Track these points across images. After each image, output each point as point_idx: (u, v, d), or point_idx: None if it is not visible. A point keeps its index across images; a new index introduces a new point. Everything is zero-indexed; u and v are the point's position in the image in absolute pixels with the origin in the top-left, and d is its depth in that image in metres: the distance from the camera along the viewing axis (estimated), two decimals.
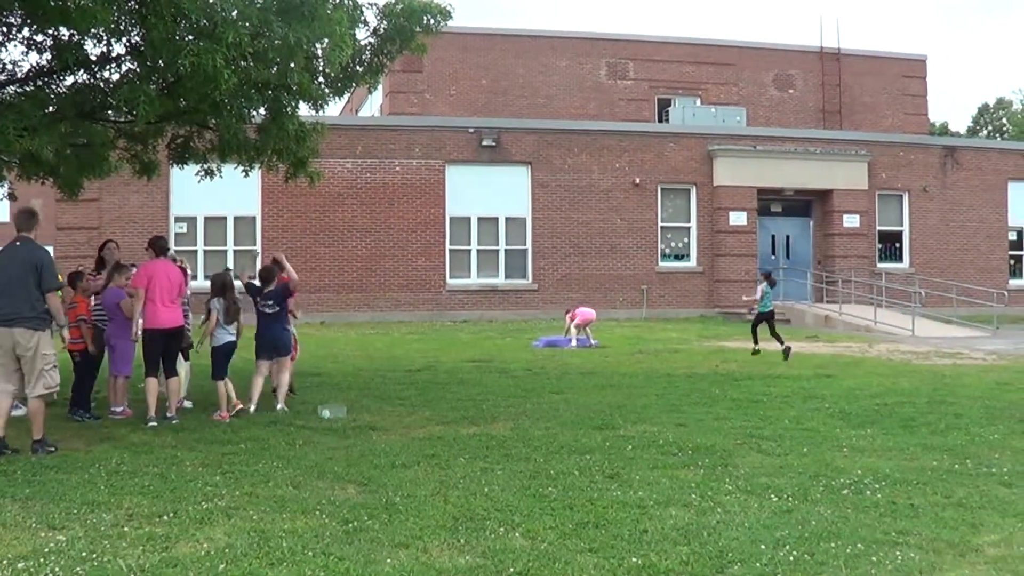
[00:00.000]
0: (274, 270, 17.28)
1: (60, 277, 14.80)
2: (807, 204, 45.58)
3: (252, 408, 16.30)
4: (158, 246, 15.95)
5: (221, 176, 18.76)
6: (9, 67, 16.06)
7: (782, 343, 25.94)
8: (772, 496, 10.05)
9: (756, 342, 27.10)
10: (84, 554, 7.98)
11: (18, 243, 12.85)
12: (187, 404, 16.78)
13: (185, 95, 14.19)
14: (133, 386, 16.69)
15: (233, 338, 16.42)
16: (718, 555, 8.04)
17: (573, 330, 29.51)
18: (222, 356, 16.19)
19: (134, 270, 16.32)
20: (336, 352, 26.70)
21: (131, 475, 11.09)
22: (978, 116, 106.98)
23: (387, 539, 8.45)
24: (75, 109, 15.21)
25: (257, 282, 17.33)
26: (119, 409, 15.90)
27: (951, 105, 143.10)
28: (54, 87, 16.07)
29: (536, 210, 41.85)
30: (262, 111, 16.05)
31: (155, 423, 14.64)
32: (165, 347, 15.44)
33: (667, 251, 43.37)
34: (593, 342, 29.44)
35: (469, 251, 41.62)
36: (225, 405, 15.79)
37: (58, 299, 12.97)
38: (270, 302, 16.70)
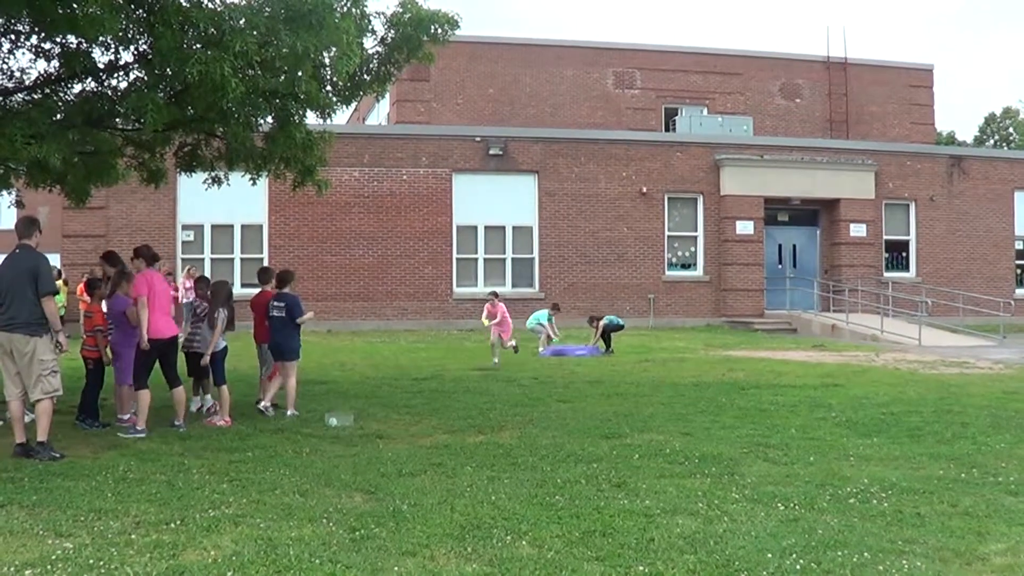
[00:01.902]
0: (290, 275, 17.57)
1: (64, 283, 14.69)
2: (814, 213, 45.58)
3: (268, 406, 16.78)
4: (149, 255, 15.93)
5: (228, 184, 18.76)
6: (17, 75, 16.08)
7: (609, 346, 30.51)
8: (779, 505, 10.05)
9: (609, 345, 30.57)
10: (91, 561, 7.99)
11: (18, 250, 12.94)
12: (192, 408, 16.88)
13: (193, 103, 14.23)
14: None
15: (226, 343, 16.62)
16: (725, 564, 8.04)
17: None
18: (222, 362, 16.38)
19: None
20: (343, 360, 26.72)
21: (138, 482, 11.11)
22: (984, 126, 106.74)
23: (394, 547, 8.45)
24: (83, 117, 15.24)
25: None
26: (126, 417, 15.93)
27: (958, 115, 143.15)
28: (62, 95, 16.11)
29: (543, 219, 41.88)
30: (269, 119, 16.10)
31: (143, 434, 14.56)
32: (162, 357, 15.40)
33: (674, 260, 43.41)
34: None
35: (476, 260, 41.67)
36: (228, 409, 15.84)
37: (54, 303, 13.00)
38: (281, 304, 16.88)
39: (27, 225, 13.15)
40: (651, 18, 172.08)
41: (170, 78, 14.07)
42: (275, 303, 17.09)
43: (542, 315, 31.10)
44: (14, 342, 12.66)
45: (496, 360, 26.05)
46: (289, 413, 16.58)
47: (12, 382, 12.88)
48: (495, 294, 28.18)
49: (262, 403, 16.82)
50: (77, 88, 16.20)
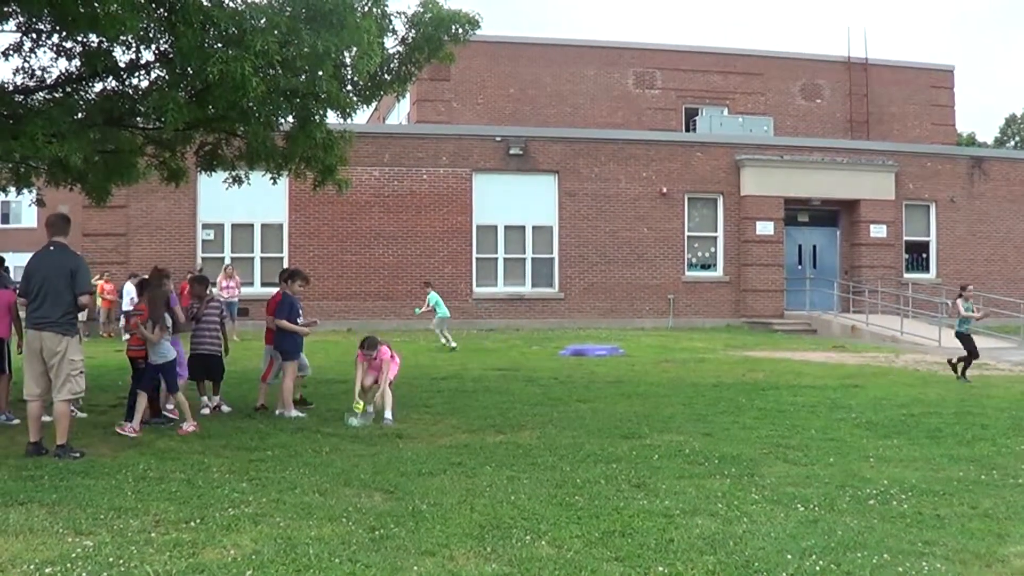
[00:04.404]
0: (285, 273, 17.67)
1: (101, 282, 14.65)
2: (834, 214, 45.46)
3: (278, 411, 16.76)
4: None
5: (249, 183, 18.76)
6: (38, 73, 16.11)
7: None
8: (798, 506, 10.04)
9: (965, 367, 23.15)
10: (111, 560, 8.00)
11: (52, 248, 12.91)
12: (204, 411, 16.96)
13: (213, 102, 14.21)
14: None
15: (176, 353, 15.92)
16: (744, 565, 8.03)
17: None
18: (174, 370, 15.66)
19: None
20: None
21: (158, 481, 11.13)
22: (1005, 127, 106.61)
23: (413, 547, 8.46)
24: (104, 116, 15.28)
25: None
26: (171, 407, 16.20)
27: (978, 116, 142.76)
28: (83, 93, 16.12)
29: (563, 219, 41.87)
30: (290, 119, 16.07)
31: None
32: None
33: (694, 260, 43.34)
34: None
35: (496, 259, 41.66)
36: (189, 415, 15.34)
37: (94, 302, 13.08)
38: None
39: (64, 222, 13.12)
40: (671, 18, 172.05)
41: (191, 77, 14.09)
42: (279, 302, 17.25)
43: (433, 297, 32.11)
44: (45, 340, 12.64)
45: (386, 414, 16.31)
46: (278, 412, 16.70)
47: (34, 382, 12.86)
48: (373, 344, 17.03)
49: (278, 410, 16.79)
50: (98, 87, 16.25)
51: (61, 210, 15.32)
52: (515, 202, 41.52)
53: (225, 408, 17.16)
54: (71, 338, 12.75)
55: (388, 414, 16.14)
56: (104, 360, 25.50)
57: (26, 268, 13.04)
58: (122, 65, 15.50)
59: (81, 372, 12.95)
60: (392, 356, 17.16)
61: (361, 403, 16.37)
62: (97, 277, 33.85)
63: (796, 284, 43.81)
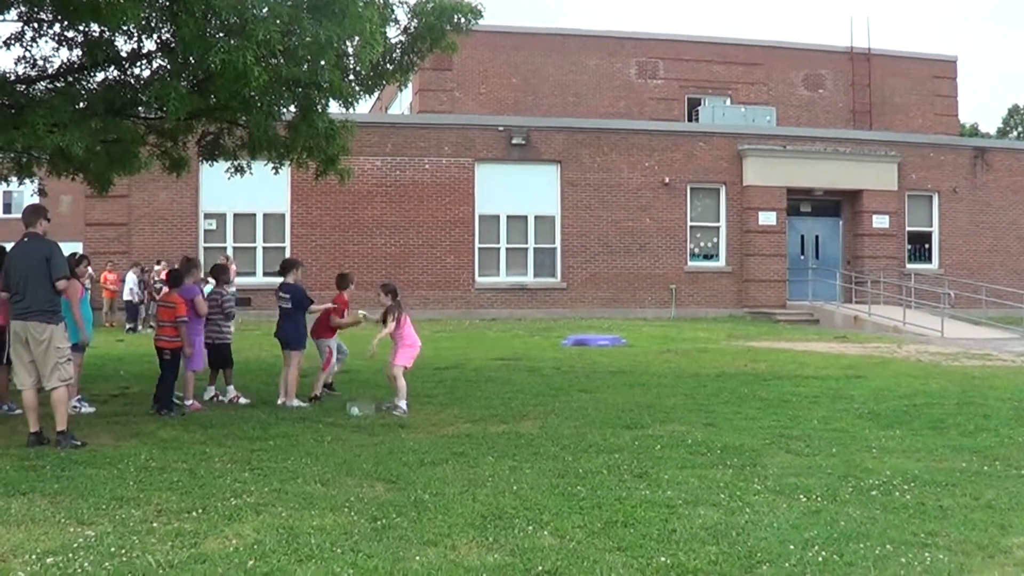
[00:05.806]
0: (289, 263, 17.71)
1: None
2: (837, 204, 45.48)
3: (280, 400, 16.85)
4: None
5: (251, 173, 18.77)
6: (40, 63, 16.08)
7: None
8: (801, 496, 10.02)
9: None
10: (113, 550, 8.00)
11: (26, 239, 13.00)
12: (205, 396, 17.06)
13: (215, 92, 14.19)
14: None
15: None
16: (747, 555, 8.01)
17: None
18: None
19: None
20: (363, 350, 26.69)
21: (160, 471, 11.13)
22: (1008, 117, 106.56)
23: (416, 537, 8.45)
24: (105, 105, 15.23)
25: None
26: (189, 403, 16.34)
27: (981, 106, 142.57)
28: (85, 83, 16.11)
29: (565, 209, 41.88)
30: (292, 108, 16.03)
31: None
32: None
33: (696, 251, 43.37)
34: None
35: (498, 249, 41.68)
36: None
37: (68, 284, 13.09)
38: (287, 295, 17.04)
39: (32, 214, 13.21)
40: (674, 8, 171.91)
41: (193, 67, 14.05)
42: (281, 294, 17.23)
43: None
44: (30, 330, 12.68)
45: (401, 404, 16.12)
46: (280, 401, 16.81)
47: (26, 371, 12.89)
48: (390, 290, 17.59)
49: (280, 400, 16.84)
50: (100, 76, 16.21)
51: (34, 202, 15.45)
52: (517, 192, 41.54)
53: (221, 399, 17.21)
54: (55, 326, 12.81)
55: (402, 404, 16.05)
56: (107, 350, 25.51)
57: (5, 263, 13.19)
58: (124, 55, 15.47)
59: (68, 359, 13.01)
60: (398, 333, 16.90)
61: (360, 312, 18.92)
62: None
63: (798, 274, 43.86)
